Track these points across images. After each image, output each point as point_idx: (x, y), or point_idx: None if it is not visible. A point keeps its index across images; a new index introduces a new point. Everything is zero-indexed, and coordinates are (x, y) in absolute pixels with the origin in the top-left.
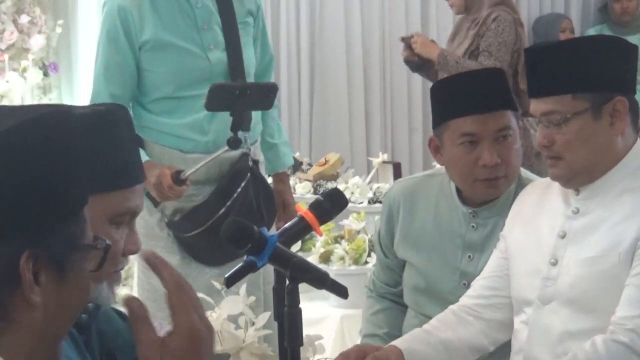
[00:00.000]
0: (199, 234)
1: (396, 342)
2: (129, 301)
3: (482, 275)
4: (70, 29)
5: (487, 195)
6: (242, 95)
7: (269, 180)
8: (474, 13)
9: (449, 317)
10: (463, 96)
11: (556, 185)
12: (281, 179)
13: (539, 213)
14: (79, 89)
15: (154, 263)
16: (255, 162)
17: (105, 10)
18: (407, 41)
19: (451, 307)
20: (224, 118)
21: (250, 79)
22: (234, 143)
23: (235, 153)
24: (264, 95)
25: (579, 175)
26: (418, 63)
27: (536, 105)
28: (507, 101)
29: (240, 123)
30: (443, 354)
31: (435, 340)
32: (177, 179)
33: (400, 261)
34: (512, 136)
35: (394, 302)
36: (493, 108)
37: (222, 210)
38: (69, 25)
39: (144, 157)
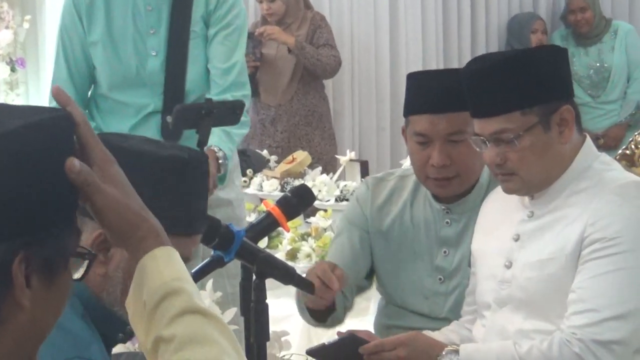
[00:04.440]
0: None
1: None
2: (73, 162)
3: (467, 290)
4: (38, 24)
5: (438, 193)
6: (208, 115)
7: None
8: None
9: (455, 322)
10: (421, 94)
11: None
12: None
13: (499, 218)
14: (46, 85)
15: (61, 97)
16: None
17: (63, 4)
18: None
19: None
20: (152, 130)
21: (193, 90)
22: None
23: None
24: (230, 112)
25: (533, 186)
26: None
27: (483, 125)
28: (465, 103)
29: (206, 140)
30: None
31: (441, 338)
32: None
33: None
34: (467, 139)
35: None
36: (447, 109)
37: None
38: (37, 20)
39: None
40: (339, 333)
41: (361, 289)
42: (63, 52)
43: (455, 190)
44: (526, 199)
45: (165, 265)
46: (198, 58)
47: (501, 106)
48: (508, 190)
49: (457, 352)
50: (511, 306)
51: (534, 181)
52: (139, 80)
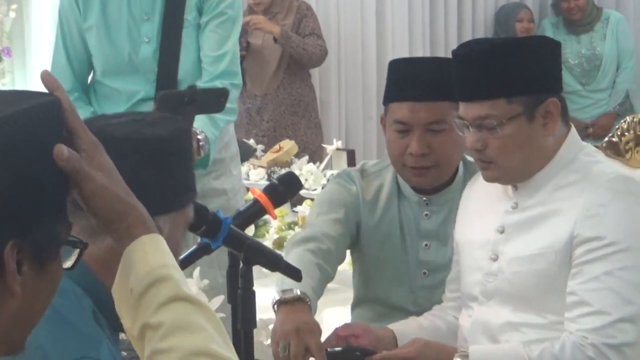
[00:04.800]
0: None
1: (387, 326)
2: (61, 149)
3: (449, 277)
4: (24, 13)
5: (415, 182)
6: (191, 102)
7: None
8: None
9: (438, 307)
10: (403, 81)
11: None
12: None
13: (482, 207)
14: (32, 74)
15: (50, 82)
16: None
17: None
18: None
19: (437, 304)
20: None
21: (186, 78)
22: None
23: None
24: (215, 100)
25: (512, 176)
26: None
27: (467, 109)
28: (447, 92)
29: (191, 127)
30: (435, 336)
31: (427, 325)
32: None
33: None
34: (448, 129)
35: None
36: (428, 98)
37: None
38: (23, 10)
39: None
40: (337, 330)
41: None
42: (62, 37)
43: (432, 181)
44: (509, 189)
45: (153, 252)
46: (191, 46)
47: (487, 92)
48: (487, 178)
49: (467, 356)
50: (498, 299)
51: (513, 171)
52: (131, 67)
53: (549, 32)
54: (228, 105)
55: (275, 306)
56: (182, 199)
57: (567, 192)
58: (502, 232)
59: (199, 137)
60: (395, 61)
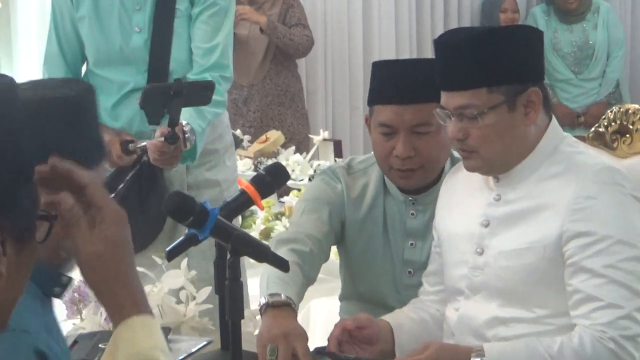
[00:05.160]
0: None
1: (380, 318)
2: (67, 199)
3: (427, 270)
4: (10, 5)
5: (402, 184)
6: (177, 95)
7: None
8: None
9: (417, 301)
10: (387, 84)
11: None
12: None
13: (464, 197)
14: (18, 64)
15: (63, 169)
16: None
17: None
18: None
19: (415, 299)
20: (134, 107)
21: (178, 69)
22: (171, 138)
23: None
24: (201, 93)
25: (494, 166)
26: None
27: (449, 99)
28: (431, 94)
29: (177, 120)
30: (424, 332)
31: (416, 317)
32: (126, 149)
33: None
34: (433, 131)
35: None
36: (413, 100)
37: None
38: (9, 1)
39: None
40: (345, 323)
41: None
42: (54, 27)
43: (418, 182)
44: (491, 180)
45: (142, 333)
46: (182, 37)
47: (468, 81)
48: (469, 168)
49: (482, 354)
50: (485, 293)
51: (494, 160)
52: (122, 57)
53: (541, 21)
54: (217, 97)
55: (263, 309)
56: (95, 157)
57: (552, 185)
58: (486, 225)
59: (184, 129)
60: (378, 63)
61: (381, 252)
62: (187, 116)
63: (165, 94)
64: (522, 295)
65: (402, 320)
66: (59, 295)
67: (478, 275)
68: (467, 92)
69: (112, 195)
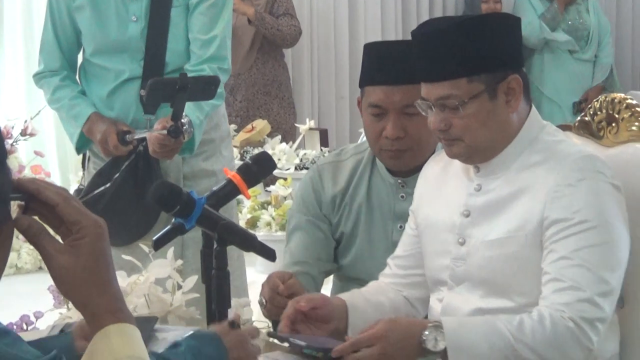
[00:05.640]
0: None
1: (338, 295)
2: (21, 220)
3: (396, 253)
4: None
5: (391, 165)
6: (183, 89)
7: None
8: None
9: (376, 284)
10: (377, 65)
11: None
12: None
13: (444, 187)
14: (4, 62)
15: (36, 188)
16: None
17: None
18: None
19: (373, 281)
20: (130, 97)
21: (174, 59)
22: (174, 132)
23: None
24: (206, 87)
25: (477, 153)
26: None
27: (429, 90)
28: None
29: (181, 114)
30: (378, 315)
31: (373, 300)
32: (123, 139)
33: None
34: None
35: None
36: (403, 81)
37: (100, 189)
38: None
39: (91, 108)
40: (298, 304)
41: (329, 273)
42: (50, 16)
43: (408, 163)
44: (471, 171)
45: (118, 342)
46: (179, 26)
47: (447, 72)
48: (451, 154)
49: (439, 327)
50: (468, 284)
51: (478, 147)
52: (119, 46)
53: (536, 2)
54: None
55: None
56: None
57: (533, 173)
58: (467, 215)
59: (182, 120)
60: (369, 44)
61: (369, 236)
62: (185, 108)
63: (171, 88)
64: (504, 285)
65: (358, 301)
66: None
67: (460, 266)
68: (447, 83)
69: (108, 184)
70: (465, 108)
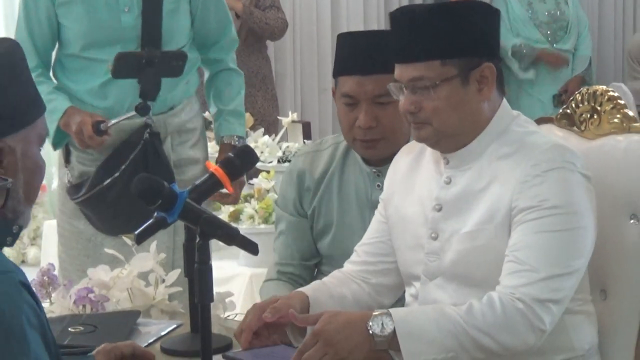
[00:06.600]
0: (84, 201)
1: (301, 289)
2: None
3: (364, 240)
4: None
5: (365, 155)
6: (150, 64)
7: None
8: None
9: (340, 275)
10: (349, 55)
11: (429, 149)
12: (221, 149)
13: (416, 178)
14: None
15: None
16: (156, 135)
17: None
18: None
19: (337, 270)
20: (126, 84)
21: (170, 46)
22: (142, 110)
23: (138, 122)
24: (172, 63)
25: (445, 138)
26: None
27: (403, 71)
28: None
29: (149, 90)
30: (339, 308)
31: (335, 293)
32: (98, 129)
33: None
34: (395, 102)
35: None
36: (375, 71)
37: (107, 181)
38: None
39: (67, 102)
40: (264, 316)
41: (318, 265)
42: (25, 14)
43: (382, 153)
44: (441, 163)
45: None
46: (172, 13)
47: (422, 52)
48: (419, 138)
49: (388, 314)
50: (442, 278)
51: (446, 132)
52: (112, 38)
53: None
54: (234, 66)
55: None
56: (30, 114)
57: (502, 165)
58: (439, 210)
59: (235, 144)
60: (342, 35)
61: (347, 225)
62: (225, 126)
63: (138, 62)
64: (478, 277)
65: (320, 296)
66: (11, 244)
67: (434, 261)
68: (421, 64)
69: (117, 174)
70: (437, 90)
